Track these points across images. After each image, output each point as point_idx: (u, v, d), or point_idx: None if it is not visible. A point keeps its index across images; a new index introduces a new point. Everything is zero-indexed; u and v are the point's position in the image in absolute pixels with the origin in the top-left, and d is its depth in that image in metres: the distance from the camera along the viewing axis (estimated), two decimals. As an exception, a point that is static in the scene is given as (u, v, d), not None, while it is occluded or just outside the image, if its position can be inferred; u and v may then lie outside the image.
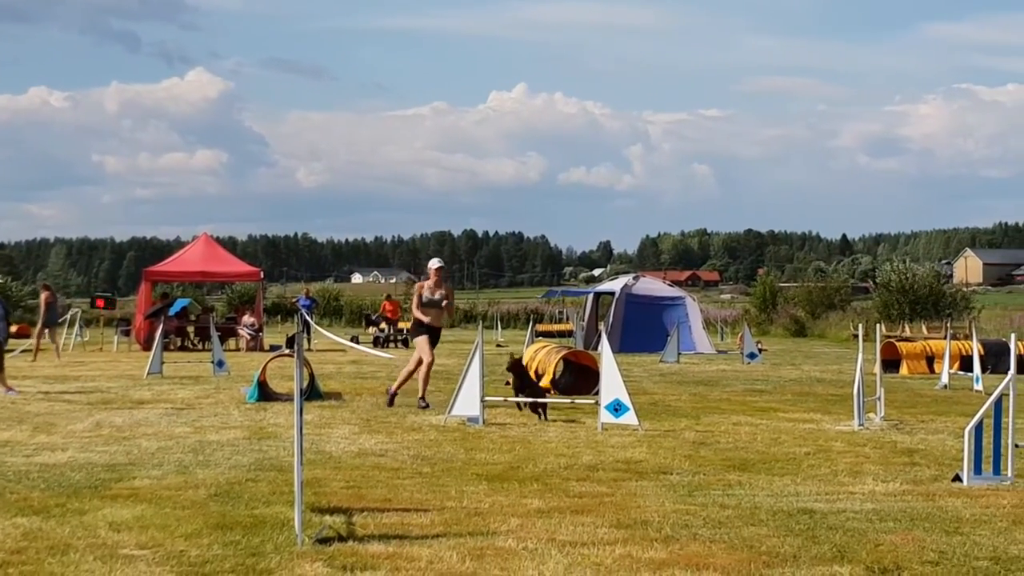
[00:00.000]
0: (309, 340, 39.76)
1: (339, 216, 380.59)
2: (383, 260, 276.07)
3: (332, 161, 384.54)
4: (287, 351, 23.24)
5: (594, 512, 9.23)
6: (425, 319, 18.14)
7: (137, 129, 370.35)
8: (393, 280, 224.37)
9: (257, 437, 14.20)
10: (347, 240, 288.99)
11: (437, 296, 18.16)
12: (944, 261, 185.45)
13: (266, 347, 38.89)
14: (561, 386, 21.01)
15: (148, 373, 24.69)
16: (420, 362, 18.09)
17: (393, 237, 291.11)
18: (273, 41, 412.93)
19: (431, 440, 14.02)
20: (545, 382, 20.83)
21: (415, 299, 18.22)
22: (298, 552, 7.70)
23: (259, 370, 19.45)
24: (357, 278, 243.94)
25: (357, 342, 40.07)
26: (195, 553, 7.71)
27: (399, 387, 18.32)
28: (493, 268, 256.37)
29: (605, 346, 15.55)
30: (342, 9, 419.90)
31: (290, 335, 39.25)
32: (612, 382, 15.20)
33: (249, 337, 40.01)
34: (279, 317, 68.88)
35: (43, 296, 35.37)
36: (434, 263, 18.53)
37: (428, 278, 18.40)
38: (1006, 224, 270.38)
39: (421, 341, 18.19)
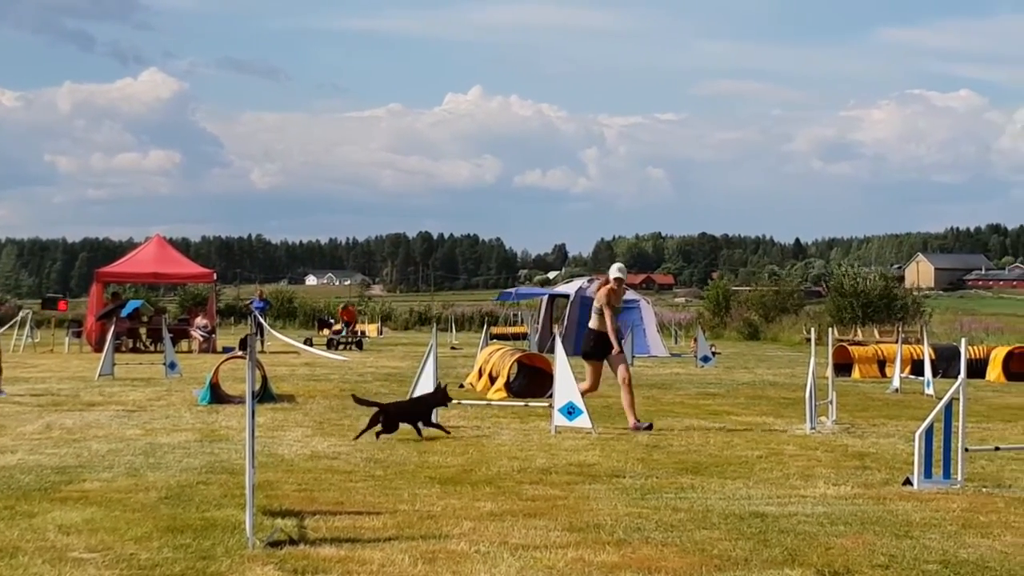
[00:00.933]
0: (262, 342, 39.61)
1: (293, 217, 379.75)
2: (338, 262, 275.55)
3: (287, 162, 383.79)
4: (240, 353, 23.16)
5: (547, 515, 9.23)
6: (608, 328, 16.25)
7: (90, 129, 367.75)
8: (348, 282, 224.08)
9: (209, 440, 14.12)
10: (301, 242, 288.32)
11: (619, 307, 16.47)
12: (896, 266, 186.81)
13: (219, 349, 38.69)
14: (515, 389, 21.04)
15: (99, 375, 24.52)
16: (627, 384, 16.18)
17: (348, 239, 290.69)
18: (228, 41, 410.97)
19: (384, 443, 13.98)
20: (499, 384, 20.85)
21: (609, 311, 16.20)
22: (249, 555, 7.66)
23: (211, 372, 19.35)
24: (311, 280, 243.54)
25: (311, 344, 39.94)
26: (145, 556, 7.65)
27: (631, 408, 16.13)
28: (448, 270, 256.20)
29: (559, 349, 15.56)
30: (297, 9, 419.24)
31: (243, 337, 39.10)
32: (566, 385, 15.21)
33: (202, 339, 39.80)
34: (232, 319, 68.53)
35: None
36: (616, 271, 16.49)
37: (606, 283, 16.48)
38: (957, 229, 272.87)
39: (591, 367, 16.50)
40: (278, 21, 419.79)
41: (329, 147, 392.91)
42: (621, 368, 16.24)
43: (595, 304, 16.43)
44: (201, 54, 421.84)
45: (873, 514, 9.51)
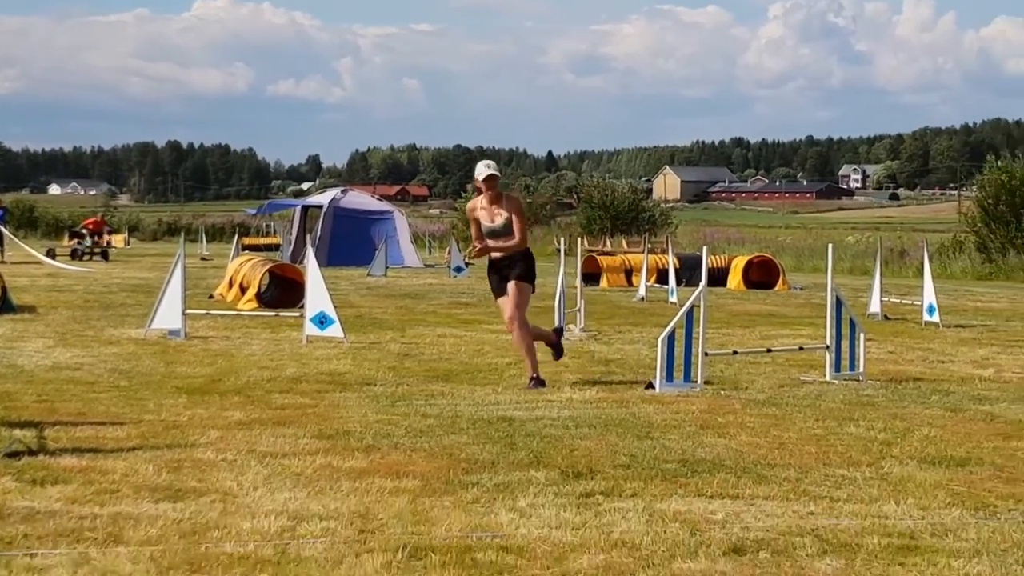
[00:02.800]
0: (2, 252, 38.23)
1: (35, 124, 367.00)
2: (82, 171, 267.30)
3: (27, 67, 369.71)
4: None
5: (296, 423, 9.19)
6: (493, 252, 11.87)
7: None
8: (93, 192, 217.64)
9: (-57, 352, 13.59)
10: (44, 149, 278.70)
11: (497, 222, 11.77)
12: (644, 178, 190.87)
13: (-44, 260, 37.18)
14: (266, 299, 20.82)
15: None
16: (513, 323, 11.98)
17: (93, 147, 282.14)
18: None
19: (129, 353, 13.69)
20: (250, 295, 20.60)
21: (473, 228, 12.01)
22: (-15, 468, 7.42)
23: (-54, 283, 18.58)
24: (55, 189, 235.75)
25: (54, 255, 38.73)
26: None
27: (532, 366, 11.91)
28: (198, 181, 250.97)
29: (311, 259, 15.44)
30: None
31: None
32: (318, 295, 15.11)
33: (-63, 249, 38.17)
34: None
35: None
36: (482, 171, 11.90)
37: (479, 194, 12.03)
38: (703, 143, 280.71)
39: (502, 302, 11.98)
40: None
41: (73, 52, 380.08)
42: (506, 302, 11.92)
43: (486, 220, 11.98)
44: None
45: (616, 417, 9.75)
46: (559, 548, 5.83)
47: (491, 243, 11.83)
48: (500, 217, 11.77)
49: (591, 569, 5.51)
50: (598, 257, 32.06)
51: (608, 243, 46.54)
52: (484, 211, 11.86)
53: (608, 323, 18.71)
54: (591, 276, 28.69)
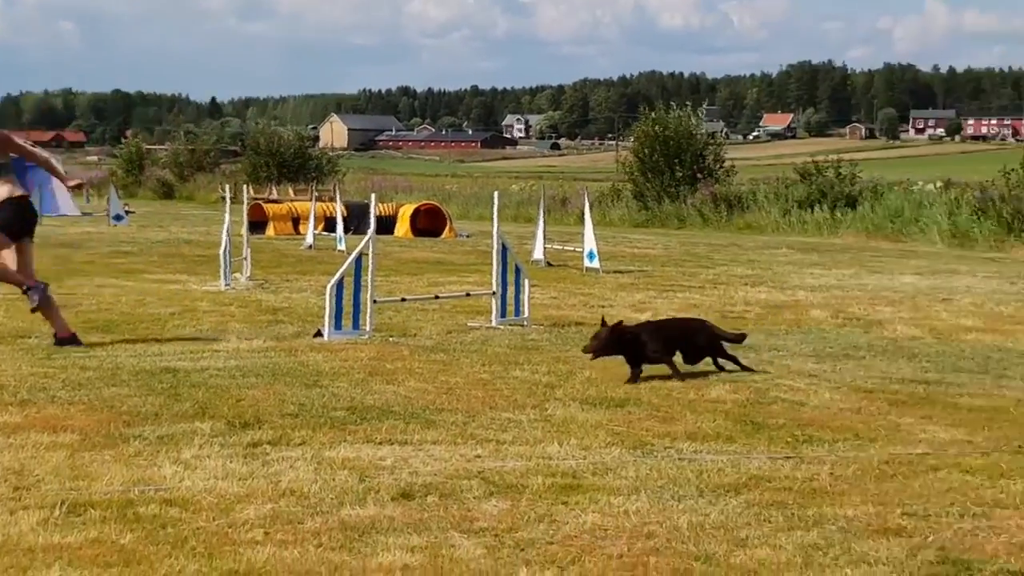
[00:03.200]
0: None
1: None
2: None
3: None
4: None
5: (-57, 379, 8.73)
6: None
7: None
8: None
9: None
10: None
11: None
12: (311, 126, 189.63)
13: None
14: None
15: None
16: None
17: None
18: None
19: None
20: None
21: None
22: None
23: None
24: None
25: None
26: None
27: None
28: None
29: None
30: None
31: None
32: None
33: None
34: None
35: None
36: None
37: None
38: (370, 91, 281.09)
39: None
40: None
41: None
42: None
43: None
44: None
45: (285, 366, 9.66)
46: (225, 499, 5.73)
47: None
48: None
49: (258, 519, 5.44)
50: (264, 205, 31.66)
51: (274, 191, 45.92)
52: None
53: (275, 272, 18.51)
54: (257, 224, 28.25)
